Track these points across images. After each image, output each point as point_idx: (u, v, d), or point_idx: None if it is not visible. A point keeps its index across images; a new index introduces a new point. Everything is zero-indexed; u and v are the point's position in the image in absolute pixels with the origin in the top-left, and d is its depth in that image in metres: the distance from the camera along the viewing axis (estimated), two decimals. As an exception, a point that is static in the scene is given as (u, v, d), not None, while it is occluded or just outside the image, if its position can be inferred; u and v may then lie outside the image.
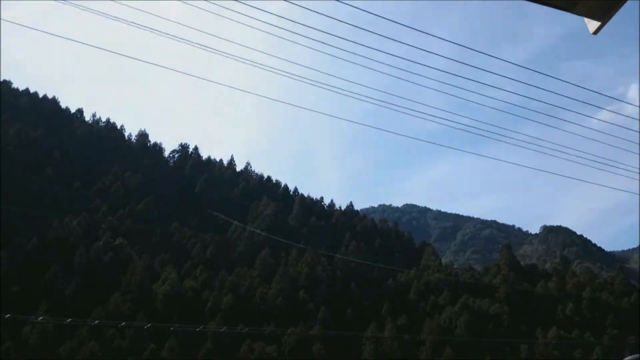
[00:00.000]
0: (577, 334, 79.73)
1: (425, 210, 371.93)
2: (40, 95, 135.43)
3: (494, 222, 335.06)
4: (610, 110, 11.19)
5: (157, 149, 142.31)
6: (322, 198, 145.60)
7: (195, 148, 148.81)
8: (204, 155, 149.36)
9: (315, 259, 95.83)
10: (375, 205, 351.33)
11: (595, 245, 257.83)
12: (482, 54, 10.01)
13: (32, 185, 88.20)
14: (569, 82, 10.04)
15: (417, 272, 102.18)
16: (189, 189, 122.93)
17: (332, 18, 7.87)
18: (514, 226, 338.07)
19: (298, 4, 7.54)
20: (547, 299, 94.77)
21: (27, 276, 66.40)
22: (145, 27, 9.77)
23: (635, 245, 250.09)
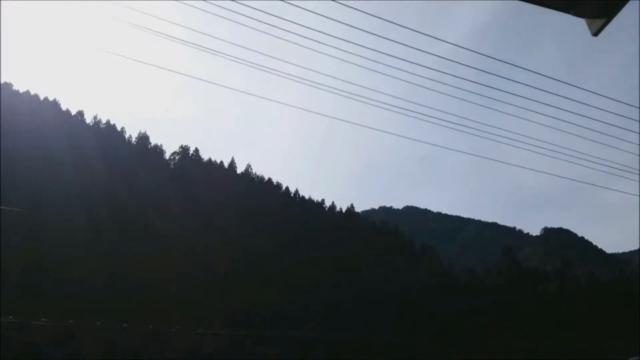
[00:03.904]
0: (578, 336, 79.56)
1: (426, 212, 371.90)
2: (41, 98, 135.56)
3: (495, 224, 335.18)
4: (608, 111, 11.22)
5: (158, 151, 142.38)
6: (323, 200, 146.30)
7: (196, 150, 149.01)
8: (205, 157, 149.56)
9: (316, 261, 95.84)
10: (376, 207, 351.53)
11: (596, 247, 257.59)
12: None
13: (32, 187, 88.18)
14: (563, 81, 10.07)
15: (418, 274, 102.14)
16: (189, 191, 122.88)
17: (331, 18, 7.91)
18: (514, 228, 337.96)
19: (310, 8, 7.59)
20: (548, 301, 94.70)
21: (28, 279, 66.40)
22: (148, 29, 9.82)
23: (636, 247, 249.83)
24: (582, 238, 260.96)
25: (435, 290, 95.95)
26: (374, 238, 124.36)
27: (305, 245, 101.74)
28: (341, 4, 6.76)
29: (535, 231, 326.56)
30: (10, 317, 19.02)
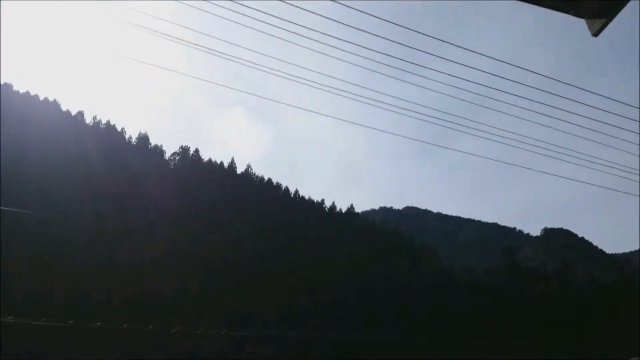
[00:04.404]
0: (578, 336, 79.60)
1: (426, 212, 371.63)
2: (41, 98, 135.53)
3: (495, 224, 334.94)
4: (608, 111, 11.23)
5: (158, 151, 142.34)
6: (323, 200, 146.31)
7: (196, 150, 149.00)
8: (205, 157, 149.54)
9: (316, 262, 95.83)
10: (376, 207, 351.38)
11: (596, 247, 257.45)
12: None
13: (32, 187, 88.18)
14: (563, 82, 10.09)
15: (418, 275, 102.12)
16: (189, 191, 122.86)
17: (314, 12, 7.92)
18: (514, 228, 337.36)
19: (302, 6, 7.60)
20: (548, 301, 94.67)
21: (29, 279, 66.37)
22: (149, 29, 9.82)
23: (636, 247, 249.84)
24: (582, 238, 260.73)
25: (435, 291, 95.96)
26: (374, 238, 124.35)
27: (305, 246, 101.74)
28: (341, 4, 6.77)
29: (535, 231, 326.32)
30: (11, 317, 19.00)
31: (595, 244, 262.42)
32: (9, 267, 65.07)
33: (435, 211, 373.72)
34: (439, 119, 13.74)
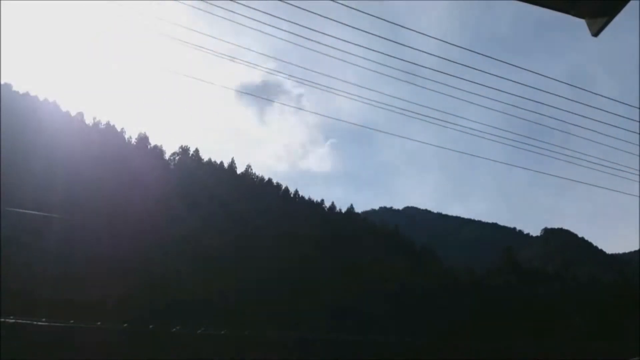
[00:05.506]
0: (578, 336, 79.62)
1: (426, 212, 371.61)
2: (41, 99, 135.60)
3: (495, 224, 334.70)
4: (608, 111, 11.23)
5: (158, 151, 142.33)
6: (322, 200, 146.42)
7: (196, 150, 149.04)
8: (205, 157, 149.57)
9: (316, 262, 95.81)
10: (377, 207, 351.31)
11: (596, 247, 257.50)
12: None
13: (32, 188, 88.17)
14: (564, 82, 10.09)
15: (417, 275, 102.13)
16: (189, 191, 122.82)
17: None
18: (514, 228, 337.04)
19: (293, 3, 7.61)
20: (548, 301, 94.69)
21: (28, 279, 66.36)
22: (150, 29, 9.84)
23: (636, 247, 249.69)
24: (582, 238, 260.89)
25: (435, 291, 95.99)
26: (374, 238, 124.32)
27: (305, 246, 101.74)
28: (341, 2, 6.79)
29: (535, 231, 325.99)
30: (11, 317, 19.01)
31: (595, 244, 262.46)
32: (9, 267, 65.07)
33: (435, 211, 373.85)
34: (438, 119, 13.76)
